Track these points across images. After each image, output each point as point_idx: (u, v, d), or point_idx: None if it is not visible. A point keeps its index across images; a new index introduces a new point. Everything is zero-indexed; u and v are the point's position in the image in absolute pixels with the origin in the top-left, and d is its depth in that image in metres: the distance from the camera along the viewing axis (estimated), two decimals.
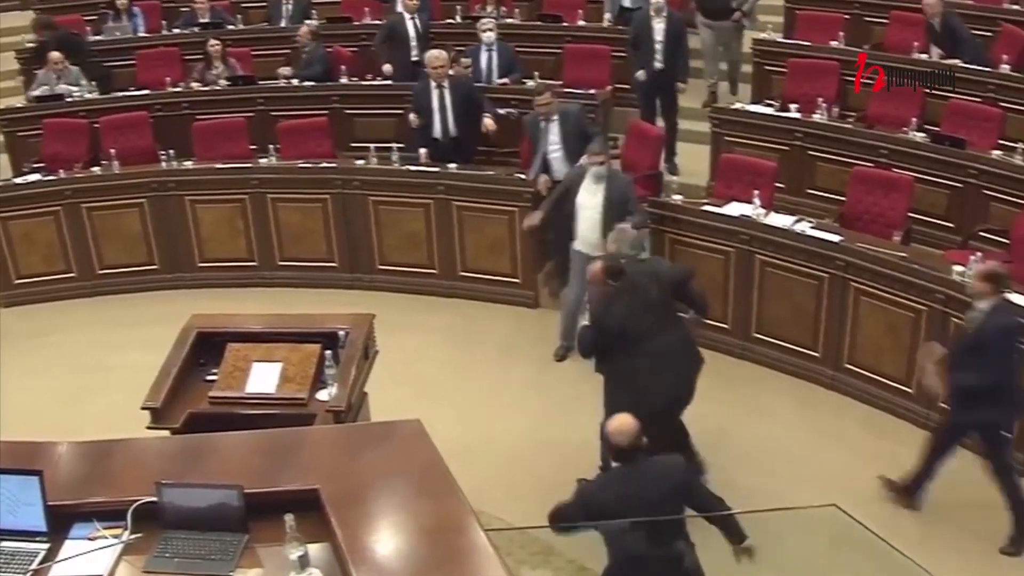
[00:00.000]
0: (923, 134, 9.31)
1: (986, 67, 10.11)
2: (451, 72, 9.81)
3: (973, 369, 6.10)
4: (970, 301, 6.42)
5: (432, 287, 9.41)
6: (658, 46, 10.38)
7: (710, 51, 11.76)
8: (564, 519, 5.45)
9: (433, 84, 9.58)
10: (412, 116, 9.74)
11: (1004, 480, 6.36)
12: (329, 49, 11.79)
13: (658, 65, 10.42)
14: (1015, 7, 11.33)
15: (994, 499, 6.41)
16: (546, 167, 9.01)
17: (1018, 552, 6.38)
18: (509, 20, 12.23)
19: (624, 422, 5.32)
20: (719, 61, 11.86)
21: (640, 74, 10.59)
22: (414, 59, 11.06)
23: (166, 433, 5.61)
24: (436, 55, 9.66)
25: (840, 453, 7.31)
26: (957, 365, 6.22)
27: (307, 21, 12.19)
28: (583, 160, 8.18)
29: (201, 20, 12.66)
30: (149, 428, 5.69)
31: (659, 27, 10.38)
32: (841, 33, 11.13)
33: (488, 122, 9.66)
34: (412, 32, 11.27)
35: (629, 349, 6.37)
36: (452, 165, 9.22)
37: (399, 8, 11.49)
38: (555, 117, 8.98)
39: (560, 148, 8.99)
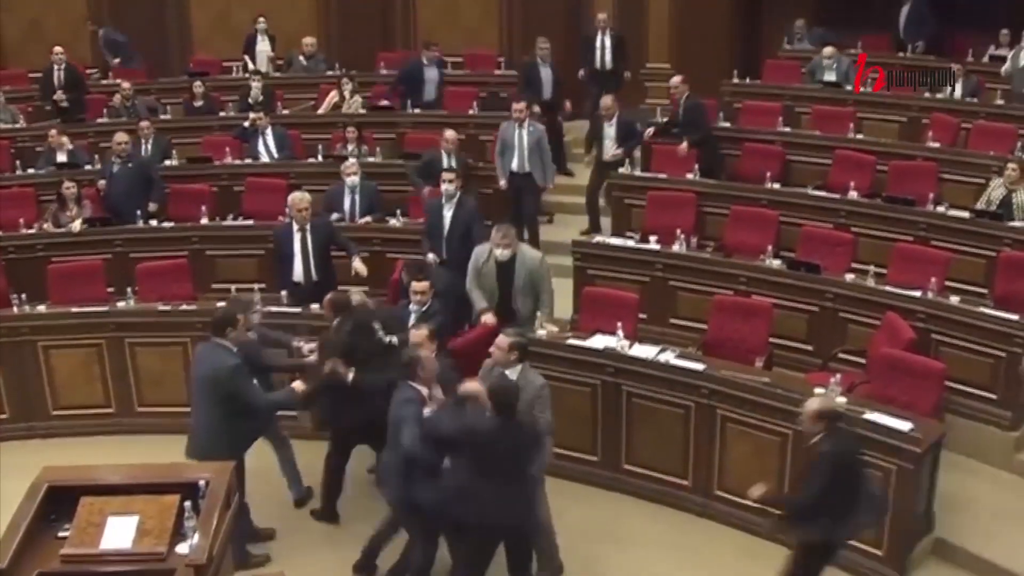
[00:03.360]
0: (779, 261, 9.59)
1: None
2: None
3: None
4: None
5: (301, 429, 9.10)
6: (446, 232, 9.74)
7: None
8: None
9: (296, 227, 9.53)
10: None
11: None
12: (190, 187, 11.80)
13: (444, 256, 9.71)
14: (859, 136, 11.89)
15: None
16: None
17: None
18: (371, 159, 12.24)
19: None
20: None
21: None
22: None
23: None
24: (300, 197, 9.65)
25: None
26: None
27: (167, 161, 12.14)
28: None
29: (58, 160, 12.38)
30: None
31: (448, 215, 9.79)
32: (696, 165, 11.46)
33: (358, 265, 9.62)
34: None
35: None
36: (315, 306, 9.08)
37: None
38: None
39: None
